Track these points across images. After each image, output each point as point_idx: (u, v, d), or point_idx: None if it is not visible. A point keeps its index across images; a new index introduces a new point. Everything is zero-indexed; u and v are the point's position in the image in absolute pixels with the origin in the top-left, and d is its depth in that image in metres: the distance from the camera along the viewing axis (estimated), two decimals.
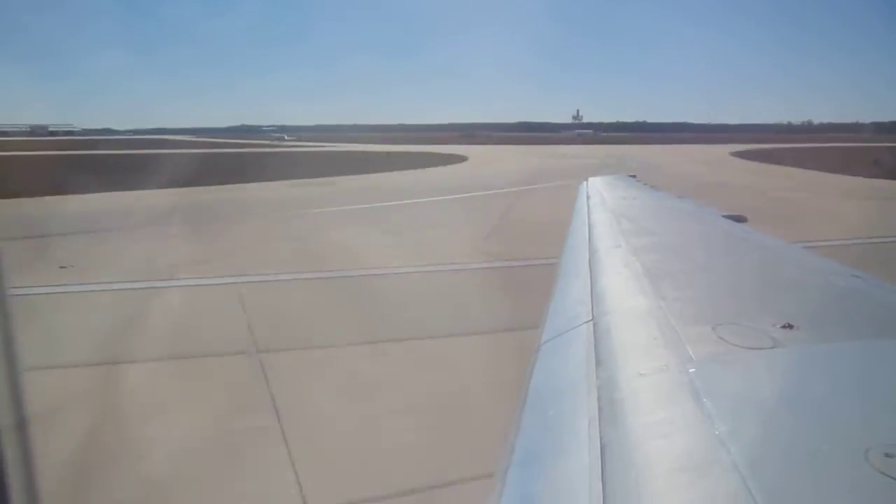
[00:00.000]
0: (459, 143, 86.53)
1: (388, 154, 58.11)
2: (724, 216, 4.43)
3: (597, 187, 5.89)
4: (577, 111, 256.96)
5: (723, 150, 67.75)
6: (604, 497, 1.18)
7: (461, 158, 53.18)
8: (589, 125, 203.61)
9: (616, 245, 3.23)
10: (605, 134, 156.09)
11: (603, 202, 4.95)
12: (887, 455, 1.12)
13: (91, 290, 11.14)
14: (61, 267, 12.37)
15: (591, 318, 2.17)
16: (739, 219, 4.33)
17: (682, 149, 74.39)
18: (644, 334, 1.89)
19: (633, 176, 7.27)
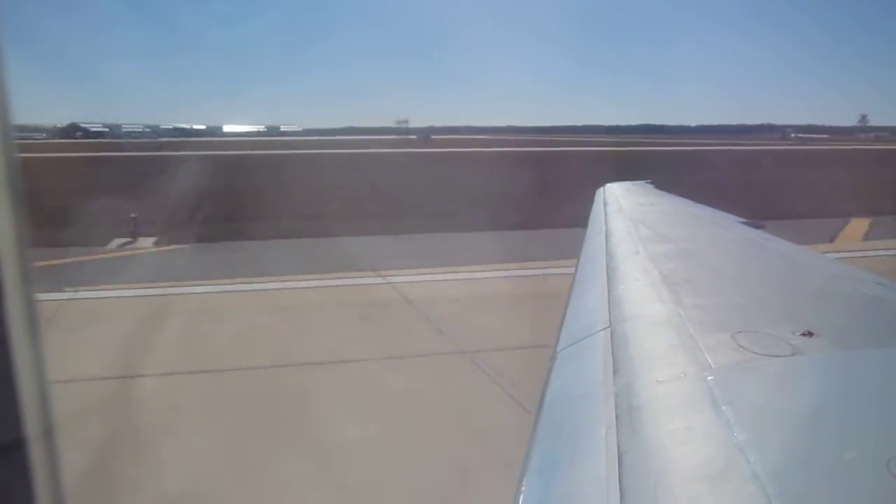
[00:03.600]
0: None
1: None
2: (742, 222, 4.40)
3: (614, 193, 5.87)
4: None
5: None
6: None
7: None
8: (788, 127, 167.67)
9: (634, 252, 3.21)
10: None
11: (620, 208, 4.93)
12: None
13: None
14: None
15: (608, 325, 2.16)
16: (758, 225, 4.30)
17: None
18: (662, 341, 1.88)
19: (651, 182, 7.24)
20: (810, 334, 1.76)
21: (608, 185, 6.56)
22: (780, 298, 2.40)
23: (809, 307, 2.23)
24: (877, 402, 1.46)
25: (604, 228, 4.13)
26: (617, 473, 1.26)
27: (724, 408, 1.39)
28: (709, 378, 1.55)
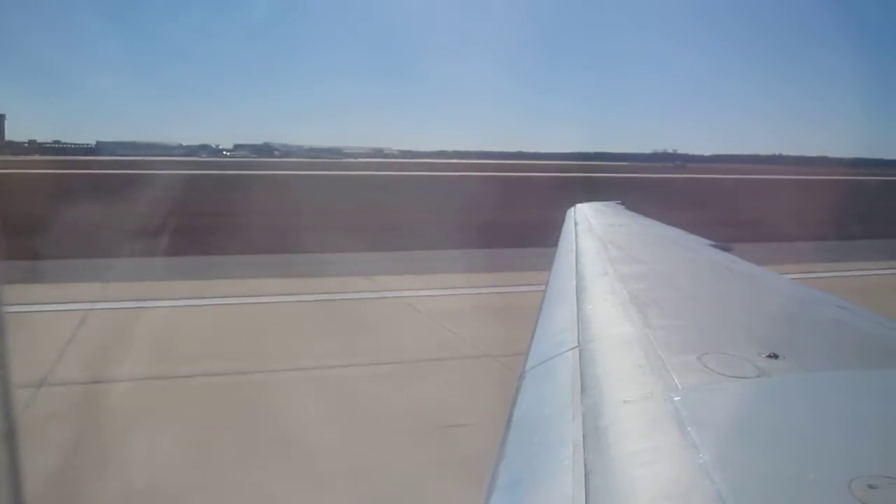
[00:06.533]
0: None
1: None
2: (711, 245, 4.47)
3: (584, 214, 5.92)
4: None
5: None
6: None
7: None
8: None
9: (603, 272, 3.24)
10: None
11: (591, 229, 4.98)
12: (870, 486, 1.12)
13: None
14: None
15: (576, 344, 2.18)
16: (726, 248, 4.38)
17: None
18: (629, 362, 1.89)
19: (621, 203, 7.33)
20: (775, 356, 1.80)
21: (578, 204, 6.60)
22: (747, 320, 2.45)
23: (775, 330, 2.27)
24: (840, 423, 1.48)
25: (574, 248, 4.16)
26: (584, 493, 1.26)
27: (689, 428, 1.40)
28: (675, 398, 1.56)
